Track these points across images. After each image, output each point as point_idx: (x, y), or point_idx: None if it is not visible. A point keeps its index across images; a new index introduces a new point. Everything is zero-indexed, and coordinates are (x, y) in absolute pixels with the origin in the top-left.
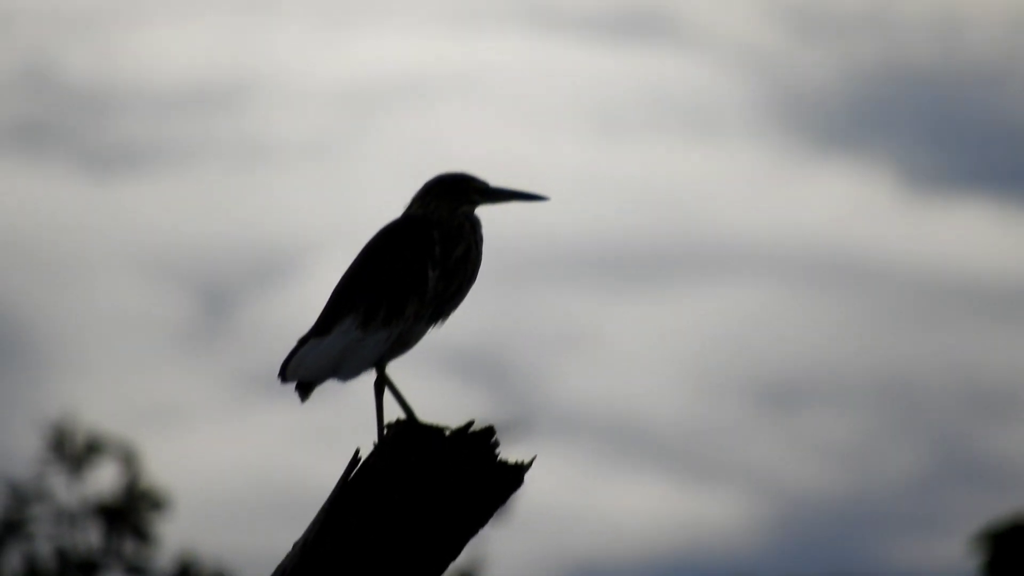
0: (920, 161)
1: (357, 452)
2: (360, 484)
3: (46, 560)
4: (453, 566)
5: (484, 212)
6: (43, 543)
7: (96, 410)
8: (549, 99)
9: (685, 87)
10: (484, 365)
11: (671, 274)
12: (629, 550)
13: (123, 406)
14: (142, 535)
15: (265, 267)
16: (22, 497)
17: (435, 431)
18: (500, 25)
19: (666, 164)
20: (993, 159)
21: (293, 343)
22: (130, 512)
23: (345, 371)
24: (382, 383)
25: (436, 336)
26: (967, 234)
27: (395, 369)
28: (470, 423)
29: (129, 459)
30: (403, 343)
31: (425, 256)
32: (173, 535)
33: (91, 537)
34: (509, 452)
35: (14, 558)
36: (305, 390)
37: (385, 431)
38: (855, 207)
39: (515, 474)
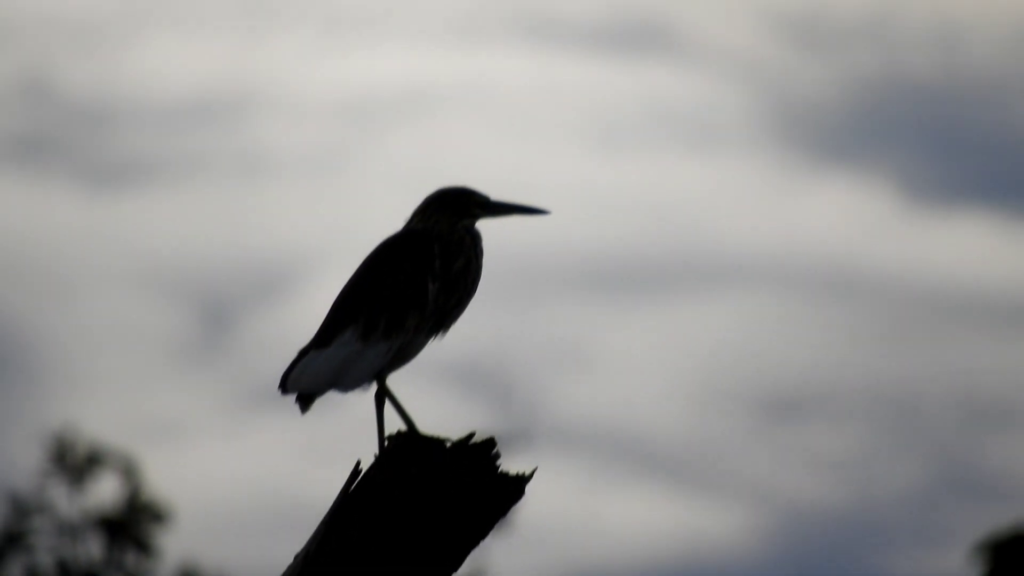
0: (920, 174)
1: (358, 464)
2: (361, 496)
3: (47, 572)
4: None
5: (484, 225)
6: (44, 555)
7: (97, 422)
8: (549, 113)
9: (685, 100)
10: (485, 377)
11: (671, 287)
12: (629, 561)
13: (124, 418)
14: (143, 547)
15: (266, 280)
16: (23, 509)
17: (436, 443)
18: (500, 39)
19: (667, 177)
20: (993, 172)
21: (293, 355)
22: (131, 524)
23: (345, 383)
24: (383, 395)
25: (436, 348)
26: (967, 247)
27: (396, 381)
28: (471, 435)
29: (130, 471)
30: (403, 355)
31: (425, 269)
32: (174, 547)
33: (92, 549)
34: (510, 464)
35: (15, 570)
36: (305, 402)
37: (386, 443)
38: (855, 220)
39: (516, 486)
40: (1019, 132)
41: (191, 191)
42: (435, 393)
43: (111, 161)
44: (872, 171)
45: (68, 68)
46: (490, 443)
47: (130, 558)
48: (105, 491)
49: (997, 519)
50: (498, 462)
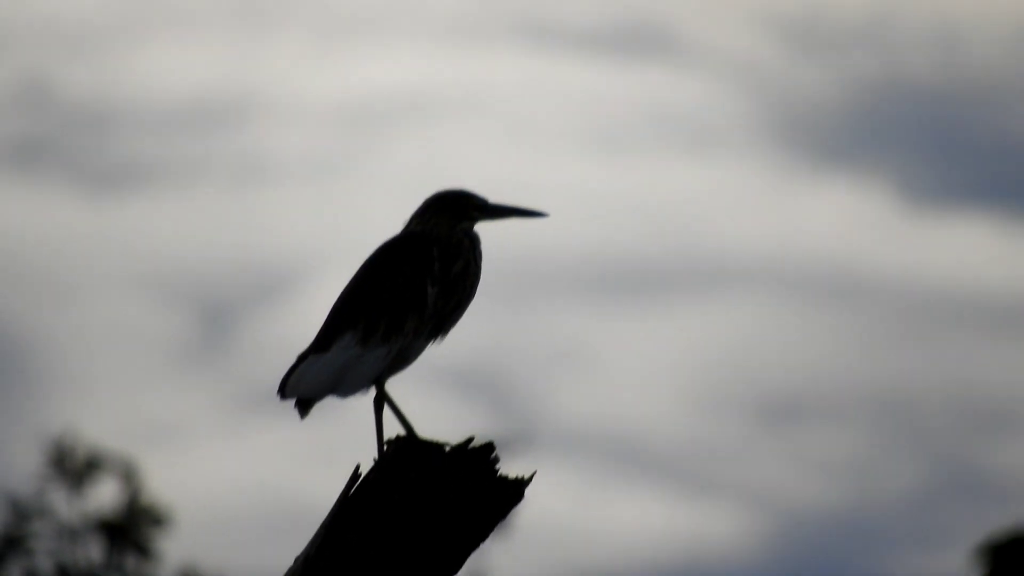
0: (919, 176)
1: (357, 468)
2: (360, 500)
3: None
4: None
5: (483, 228)
6: (44, 559)
7: (97, 426)
8: (548, 116)
9: (684, 103)
10: (484, 381)
11: (670, 290)
12: (629, 564)
13: (124, 422)
14: (143, 551)
15: (265, 284)
16: (23, 513)
17: (435, 447)
18: (499, 43)
19: (665, 180)
20: (993, 174)
21: (292, 360)
22: (131, 528)
23: (344, 387)
24: (381, 399)
25: (435, 352)
26: (967, 249)
27: (394, 385)
28: (470, 439)
29: (130, 475)
30: (402, 359)
31: (424, 272)
32: (174, 551)
33: (92, 553)
34: (509, 467)
35: (15, 574)
36: (305, 406)
37: (385, 447)
38: (854, 222)
39: (515, 489)
40: (1019, 134)
41: (191, 195)
42: (434, 397)
43: (111, 165)
44: (872, 173)
45: (68, 72)
46: (489, 447)
47: (130, 562)
48: (105, 495)
49: (997, 521)
50: (497, 466)
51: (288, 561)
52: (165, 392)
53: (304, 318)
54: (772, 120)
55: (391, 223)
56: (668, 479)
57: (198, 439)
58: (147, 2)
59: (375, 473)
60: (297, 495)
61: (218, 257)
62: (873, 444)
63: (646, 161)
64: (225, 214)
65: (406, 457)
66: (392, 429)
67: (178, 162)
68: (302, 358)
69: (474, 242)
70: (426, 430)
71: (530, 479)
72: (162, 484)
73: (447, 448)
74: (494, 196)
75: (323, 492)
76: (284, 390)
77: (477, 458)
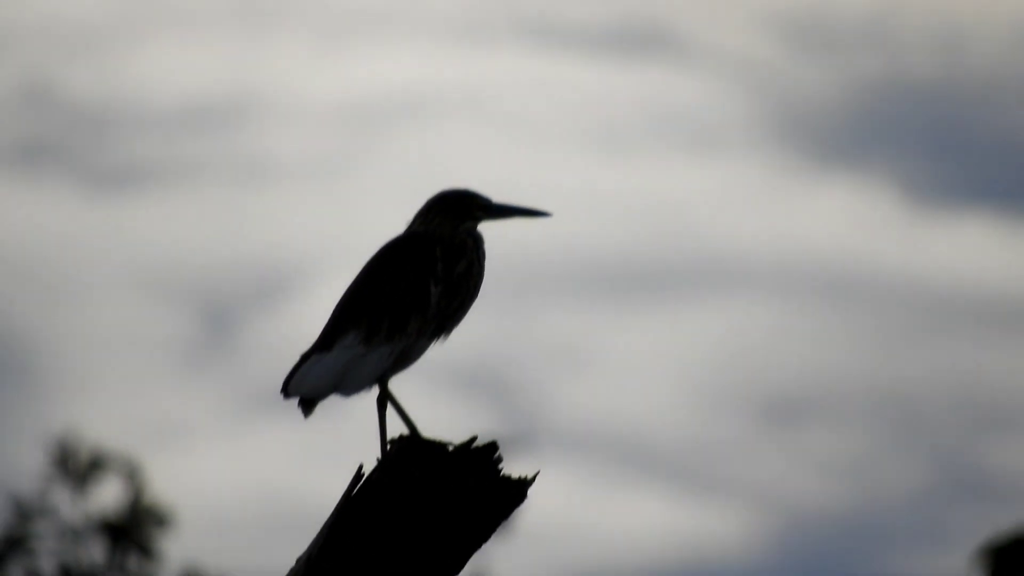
0: (921, 175)
1: (360, 468)
2: (363, 500)
3: None
4: None
5: (487, 228)
6: (47, 559)
7: (100, 426)
8: (550, 116)
9: (686, 103)
10: (487, 381)
11: (673, 289)
12: (631, 565)
13: (127, 423)
14: (146, 551)
15: (267, 284)
16: (26, 513)
17: (438, 447)
18: (501, 42)
19: (668, 180)
20: (995, 173)
21: (296, 359)
22: (134, 528)
23: (348, 387)
24: (385, 399)
25: (439, 352)
26: (969, 248)
27: (398, 385)
28: (473, 438)
29: (133, 475)
30: (406, 359)
31: (427, 272)
32: (177, 551)
33: (95, 553)
34: (512, 467)
35: (18, 574)
36: (308, 406)
37: (388, 447)
38: (856, 222)
39: (518, 489)
40: (1021, 133)
41: (193, 195)
42: (437, 397)
43: (113, 165)
44: (874, 173)
45: (69, 72)
46: (492, 447)
47: (133, 562)
48: (108, 495)
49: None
50: (500, 466)
51: (290, 561)
52: (168, 392)
53: (306, 317)
54: (774, 120)
55: (392, 223)
56: (671, 479)
57: (201, 439)
58: (148, 3)
59: (378, 473)
60: (300, 495)
61: (221, 257)
62: (876, 444)
63: (648, 161)
64: (227, 214)
65: (409, 457)
66: (395, 428)
67: (180, 162)
68: (305, 357)
69: (478, 242)
70: (429, 429)
71: (533, 479)
72: (165, 484)
73: (450, 448)
74: (497, 196)
75: (326, 492)
76: (287, 389)
77: (480, 458)
